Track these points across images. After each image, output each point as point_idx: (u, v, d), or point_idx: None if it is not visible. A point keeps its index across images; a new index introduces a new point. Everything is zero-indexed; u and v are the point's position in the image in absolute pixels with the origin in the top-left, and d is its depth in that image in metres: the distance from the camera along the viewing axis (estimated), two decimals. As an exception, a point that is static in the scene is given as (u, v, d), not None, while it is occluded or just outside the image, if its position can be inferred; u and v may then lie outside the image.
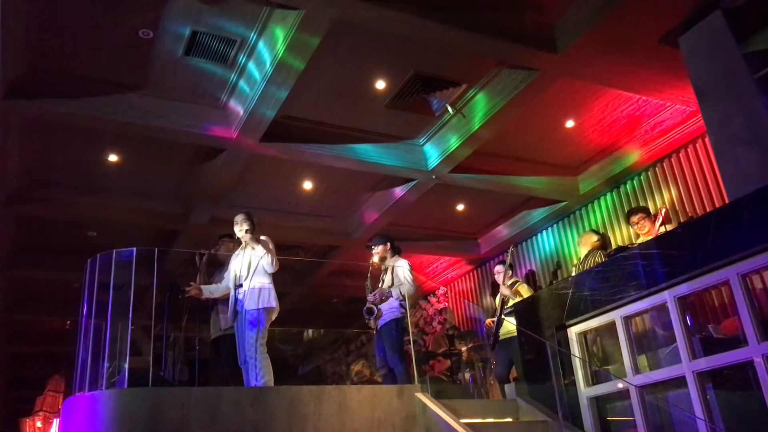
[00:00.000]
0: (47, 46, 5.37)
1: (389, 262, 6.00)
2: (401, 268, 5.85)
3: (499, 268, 7.20)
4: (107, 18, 5.15)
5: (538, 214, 8.72)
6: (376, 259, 6.07)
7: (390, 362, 5.69)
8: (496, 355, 7.12)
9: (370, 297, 5.88)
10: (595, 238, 6.95)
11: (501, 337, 6.77)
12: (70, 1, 4.95)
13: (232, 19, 5.27)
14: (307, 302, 10.96)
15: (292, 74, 5.53)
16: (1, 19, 4.71)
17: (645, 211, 6.32)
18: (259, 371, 4.84)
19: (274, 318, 5.14)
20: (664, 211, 6.12)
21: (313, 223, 8.75)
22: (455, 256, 10.04)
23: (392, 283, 5.82)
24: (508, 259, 7.14)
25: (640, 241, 6.46)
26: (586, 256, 6.69)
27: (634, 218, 6.24)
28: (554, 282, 7.74)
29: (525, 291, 6.90)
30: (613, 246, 7.54)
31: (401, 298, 5.72)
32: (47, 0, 4.90)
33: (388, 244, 6.09)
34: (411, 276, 5.81)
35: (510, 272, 7.12)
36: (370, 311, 5.88)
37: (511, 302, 6.81)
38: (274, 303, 5.07)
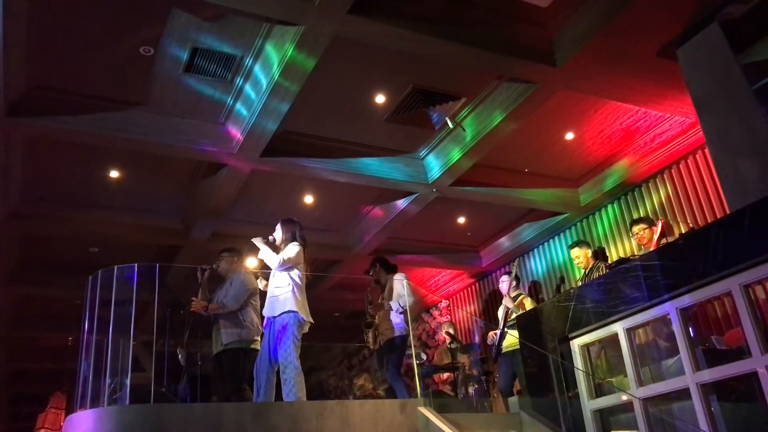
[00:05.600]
0: (49, 64, 5.41)
1: (383, 279, 6.08)
2: (399, 281, 5.89)
3: (504, 277, 7.17)
4: (108, 36, 5.19)
5: (540, 226, 8.72)
6: (374, 282, 6.16)
7: (389, 378, 5.69)
8: (498, 368, 7.09)
9: (371, 310, 5.92)
10: (578, 251, 6.77)
11: (504, 350, 6.74)
12: (71, 20, 5.00)
13: (232, 35, 5.31)
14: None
15: (291, 90, 5.56)
16: (3, 38, 4.75)
17: (647, 221, 6.30)
18: (292, 387, 4.64)
19: (304, 329, 4.90)
20: (661, 223, 6.10)
21: (314, 238, 8.69)
22: (457, 269, 10.03)
23: (391, 297, 5.86)
24: (514, 271, 7.12)
25: (641, 252, 6.44)
26: (590, 269, 6.66)
27: (636, 228, 6.22)
28: (557, 295, 7.70)
29: (529, 304, 6.88)
30: (614, 257, 7.52)
31: (401, 310, 5.73)
32: (49, 18, 4.94)
33: (377, 266, 6.17)
34: (409, 288, 5.85)
35: (515, 284, 7.11)
36: (369, 324, 5.90)
37: (514, 314, 6.78)
38: (292, 307, 4.83)
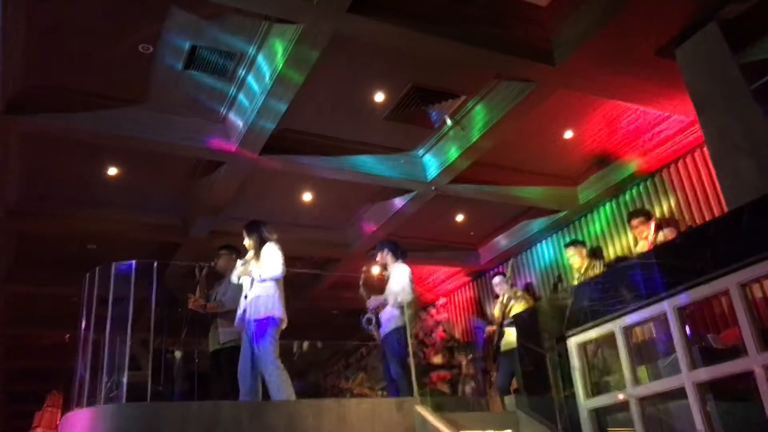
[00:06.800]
0: (47, 60, 5.40)
1: (390, 269, 5.98)
2: (399, 276, 5.82)
3: (497, 279, 7.21)
4: (107, 33, 5.18)
5: (538, 224, 8.72)
6: (379, 267, 6.06)
7: (392, 373, 5.65)
8: (496, 367, 7.12)
9: (367, 304, 5.86)
10: (572, 251, 6.78)
11: (502, 349, 6.77)
12: (70, 17, 4.98)
13: (231, 34, 5.30)
14: (307, 315, 10.93)
15: (291, 87, 5.55)
16: (2, 35, 4.73)
17: (645, 214, 6.30)
18: (279, 386, 4.64)
19: (283, 327, 4.94)
20: (653, 224, 6.09)
21: (313, 235, 8.75)
22: (455, 266, 10.04)
23: (390, 291, 5.80)
24: (509, 272, 7.15)
25: (638, 247, 6.45)
26: (586, 268, 6.68)
27: (634, 222, 6.22)
28: (554, 293, 7.72)
29: (528, 299, 6.95)
30: (612, 256, 7.53)
31: (398, 305, 5.69)
32: (47, 15, 4.93)
33: (386, 250, 6.05)
34: (409, 284, 5.76)
35: (510, 282, 7.16)
36: (369, 321, 5.87)
37: (513, 312, 6.82)
38: (277, 312, 4.87)
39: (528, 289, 8.93)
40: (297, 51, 5.12)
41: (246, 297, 5.00)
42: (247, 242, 5.15)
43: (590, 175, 7.87)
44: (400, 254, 6.08)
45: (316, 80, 5.70)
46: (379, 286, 6.08)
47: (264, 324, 4.82)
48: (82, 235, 8.01)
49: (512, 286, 7.31)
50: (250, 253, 5.08)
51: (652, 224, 6.03)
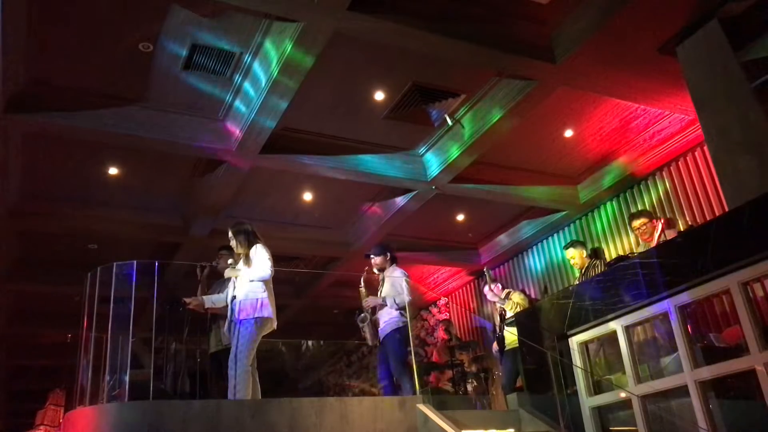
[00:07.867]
0: (47, 60, 5.39)
1: (387, 272, 6.01)
2: (398, 279, 5.84)
3: (486, 289, 7.27)
4: (107, 31, 5.18)
5: (539, 223, 8.72)
6: (375, 270, 6.08)
7: (395, 374, 5.67)
8: (501, 366, 7.15)
9: (365, 303, 5.88)
10: (573, 252, 6.80)
11: (506, 348, 6.79)
12: (70, 15, 4.98)
13: (231, 32, 5.30)
14: (308, 314, 10.95)
15: (291, 86, 5.55)
16: (2, 34, 4.73)
17: (647, 215, 6.29)
18: (235, 387, 4.60)
19: (267, 330, 4.92)
20: (661, 223, 6.09)
21: (313, 235, 8.75)
22: (456, 266, 10.04)
23: (389, 293, 5.82)
24: (488, 278, 7.21)
25: (640, 248, 6.44)
26: (587, 268, 6.68)
27: (637, 223, 6.19)
28: (554, 292, 7.73)
29: (517, 297, 6.97)
30: (613, 255, 7.53)
31: (398, 307, 5.71)
32: (47, 14, 4.93)
33: (387, 254, 6.09)
34: (407, 286, 5.81)
35: (499, 285, 7.25)
36: (363, 319, 5.88)
37: (509, 313, 6.84)
38: (265, 313, 4.83)
39: (524, 290, 8.95)
40: (297, 49, 5.12)
41: (234, 298, 4.97)
42: (234, 243, 5.12)
43: (590, 174, 7.86)
44: (393, 260, 6.15)
45: (317, 79, 5.70)
46: (377, 286, 6.11)
47: (250, 324, 4.80)
48: (83, 234, 8.01)
49: (503, 288, 7.37)
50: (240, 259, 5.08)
51: (659, 225, 6.01)
